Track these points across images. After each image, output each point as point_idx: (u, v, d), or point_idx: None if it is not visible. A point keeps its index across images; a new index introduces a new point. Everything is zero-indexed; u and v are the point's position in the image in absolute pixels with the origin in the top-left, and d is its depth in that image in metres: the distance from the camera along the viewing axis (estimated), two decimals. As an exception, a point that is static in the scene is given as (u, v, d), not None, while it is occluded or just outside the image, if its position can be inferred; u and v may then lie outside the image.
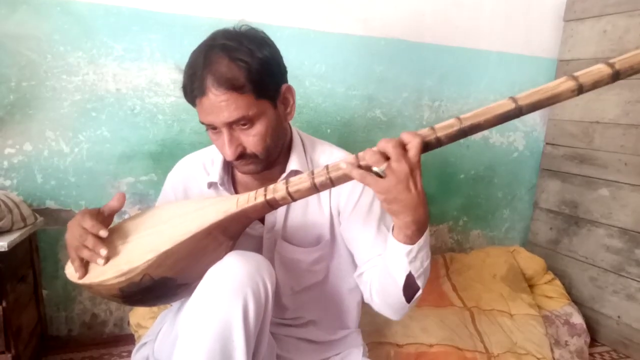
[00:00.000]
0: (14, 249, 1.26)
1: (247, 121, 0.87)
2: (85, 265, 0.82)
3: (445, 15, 1.92)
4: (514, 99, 0.74)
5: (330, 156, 1.06)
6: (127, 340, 1.66)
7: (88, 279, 0.80)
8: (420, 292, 0.89)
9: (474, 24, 1.97)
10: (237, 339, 0.75)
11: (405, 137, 0.75)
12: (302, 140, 1.06)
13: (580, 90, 0.73)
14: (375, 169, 0.73)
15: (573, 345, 1.70)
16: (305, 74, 1.74)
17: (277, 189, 0.81)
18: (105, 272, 0.78)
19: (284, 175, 1.00)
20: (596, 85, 0.73)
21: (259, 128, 0.89)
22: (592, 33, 1.96)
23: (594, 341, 1.90)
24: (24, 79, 1.45)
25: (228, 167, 1.04)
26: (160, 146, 1.62)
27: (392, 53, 1.86)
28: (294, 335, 1.06)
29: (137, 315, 1.51)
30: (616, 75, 0.72)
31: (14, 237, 1.26)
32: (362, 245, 1.01)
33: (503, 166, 2.19)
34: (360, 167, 0.75)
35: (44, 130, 1.50)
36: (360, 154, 0.76)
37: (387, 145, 0.73)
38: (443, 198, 2.11)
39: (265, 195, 0.81)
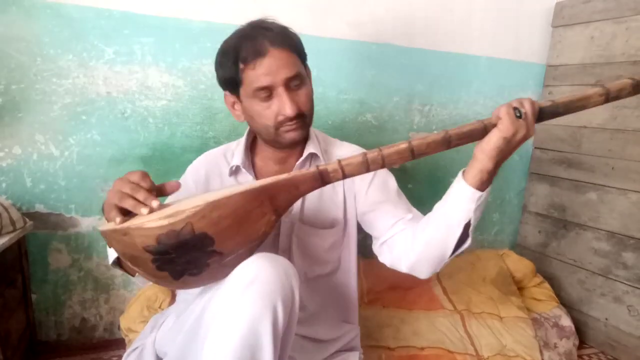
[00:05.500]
0: (2, 253, 1.25)
1: (299, 80, 0.99)
2: (125, 214, 0.78)
3: (436, 20, 1.93)
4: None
5: (341, 148, 1.16)
6: (117, 345, 1.65)
7: (127, 224, 0.76)
8: (469, 241, 0.94)
9: (464, 30, 1.99)
10: (265, 348, 0.74)
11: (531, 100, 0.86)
12: (314, 132, 1.15)
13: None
14: (519, 109, 0.84)
15: (562, 347, 1.72)
16: (297, 78, 1.74)
17: (329, 163, 0.83)
18: (148, 217, 0.75)
19: (302, 158, 1.08)
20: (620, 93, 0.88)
21: (305, 88, 1.01)
22: (580, 39, 1.99)
23: (582, 343, 1.92)
24: (14, 81, 1.44)
25: (248, 153, 1.12)
26: (151, 150, 1.62)
27: (383, 58, 1.88)
28: (299, 333, 1.05)
29: (128, 319, 1.51)
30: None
31: (2, 241, 1.25)
32: (385, 211, 1.08)
33: (493, 170, 2.20)
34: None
35: (34, 133, 1.49)
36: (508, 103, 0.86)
37: (525, 101, 0.85)
38: (433, 201, 2.10)
39: (317, 166, 0.83)
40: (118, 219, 0.76)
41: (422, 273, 1.00)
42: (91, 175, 1.57)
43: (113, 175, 1.59)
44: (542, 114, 0.87)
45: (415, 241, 0.98)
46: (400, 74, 1.92)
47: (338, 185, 1.10)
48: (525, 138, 0.85)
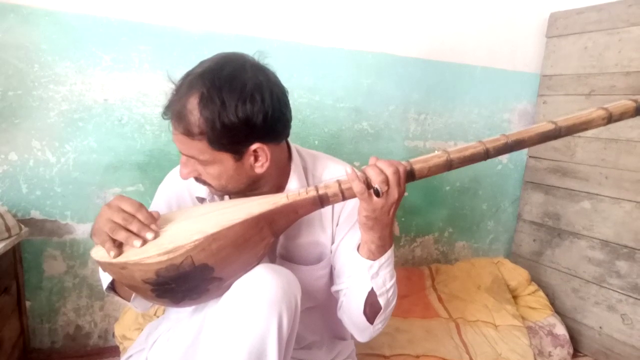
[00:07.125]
0: (-3, 259, 1.25)
1: (199, 161, 0.85)
2: (119, 246, 0.77)
3: (432, 30, 1.95)
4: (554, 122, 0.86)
5: (333, 172, 1.02)
6: (111, 352, 1.64)
7: (124, 257, 0.75)
8: (383, 312, 0.90)
9: (460, 40, 2.01)
10: (270, 354, 0.75)
11: (398, 165, 0.79)
12: (302, 159, 1.02)
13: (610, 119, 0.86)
14: (377, 187, 0.77)
15: (556, 355, 1.72)
16: (294, 86, 1.75)
17: (329, 186, 0.82)
18: (146, 251, 0.74)
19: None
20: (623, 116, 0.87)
21: (212, 170, 0.86)
22: (574, 49, 2.01)
23: (576, 352, 1.92)
24: (11, 88, 1.44)
25: None
26: (147, 157, 1.62)
27: (379, 67, 1.89)
28: (297, 357, 1.03)
29: (123, 326, 1.50)
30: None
31: (-2, 247, 1.25)
32: (347, 267, 0.98)
33: (487, 178, 2.22)
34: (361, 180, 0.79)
35: (30, 139, 1.49)
36: (365, 169, 0.80)
37: (388, 169, 0.78)
38: (429, 209, 2.13)
39: (317, 190, 0.82)
40: (113, 253, 0.75)
41: (357, 337, 1.00)
42: (87, 182, 1.57)
43: (109, 182, 1.59)
44: (544, 138, 0.85)
45: (342, 305, 0.97)
46: (396, 82, 1.94)
47: (327, 221, 1.00)
48: (394, 203, 0.80)
